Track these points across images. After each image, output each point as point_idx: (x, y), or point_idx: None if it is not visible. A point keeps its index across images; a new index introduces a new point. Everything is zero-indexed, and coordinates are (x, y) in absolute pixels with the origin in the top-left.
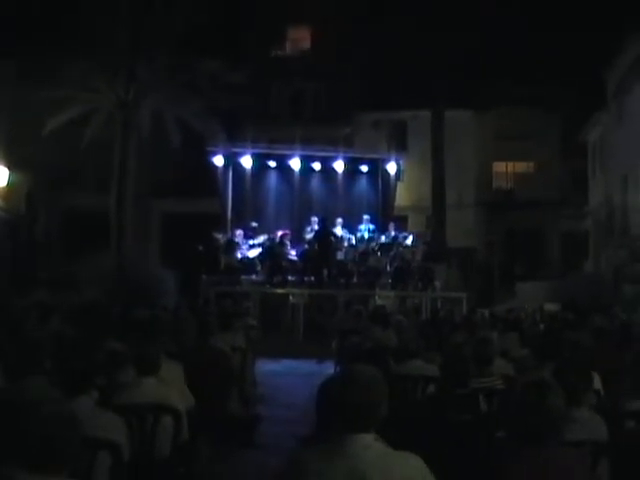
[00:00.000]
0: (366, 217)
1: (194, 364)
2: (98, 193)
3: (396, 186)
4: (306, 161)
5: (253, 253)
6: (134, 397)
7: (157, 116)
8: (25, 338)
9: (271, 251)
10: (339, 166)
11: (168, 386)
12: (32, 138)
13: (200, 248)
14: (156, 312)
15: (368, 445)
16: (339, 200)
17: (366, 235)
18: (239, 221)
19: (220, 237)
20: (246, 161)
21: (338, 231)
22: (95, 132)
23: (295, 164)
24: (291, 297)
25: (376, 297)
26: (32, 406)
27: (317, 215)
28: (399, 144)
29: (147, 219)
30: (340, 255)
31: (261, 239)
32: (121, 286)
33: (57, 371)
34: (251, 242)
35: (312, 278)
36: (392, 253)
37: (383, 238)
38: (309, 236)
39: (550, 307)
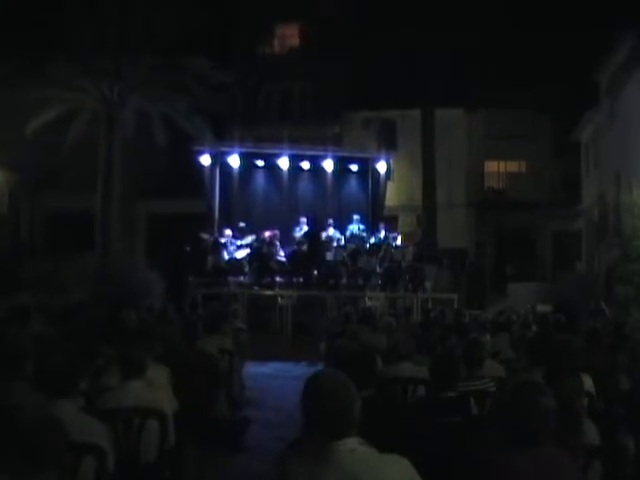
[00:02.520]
0: (356, 217)
1: (181, 367)
2: (82, 193)
3: (386, 186)
4: (295, 160)
5: (241, 254)
6: (119, 401)
7: (143, 115)
8: (7, 341)
9: (259, 252)
10: (328, 165)
11: (154, 389)
12: (15, 138)
13: (187, 249)
14: (142, 314)
15: (353, 448)
16: (328, 200)
17: (356, 229)
18: (226, 221)
19: (207, 238)
20: (234, 160)
21: (330, 232)
22: (79, 131)
23: (283, 163)
24: (279, 299)
25: (366, 298)
26: (14, 410)
27: (306, 215)
28: (389, 143)
29: (133, 219)
30: (329, 256)
31: (249, 240)
32: (106, 288)
33: (39, 375)
34: (239, 243)
35: (301, 279)
36: (382, 254)
37: (373, 238)
38: (298, 236)
39: (542, 309)
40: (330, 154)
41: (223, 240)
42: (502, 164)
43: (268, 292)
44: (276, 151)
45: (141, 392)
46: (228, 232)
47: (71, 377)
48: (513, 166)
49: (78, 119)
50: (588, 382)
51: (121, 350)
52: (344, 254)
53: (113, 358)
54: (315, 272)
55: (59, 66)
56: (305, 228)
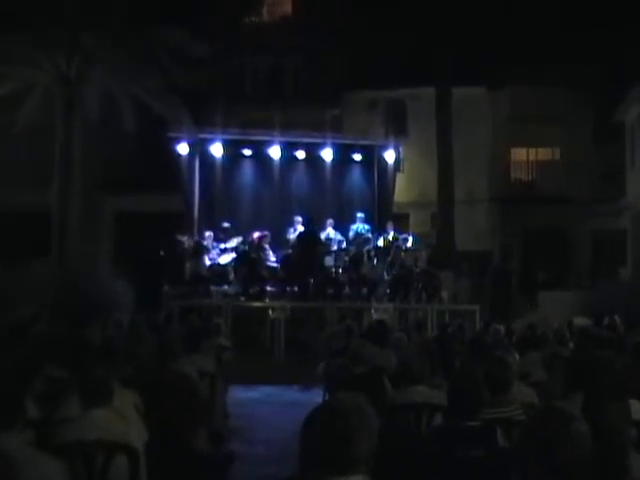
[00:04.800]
0: (360, 215)
1: (153, 392)
2: (36, 188)
3: (395, 178)
4: (288, 149)
5: (225, 259)
6: (80, 433)
7: (107, 95)
8: None
9: (246, 257)
10: (327, 154)
11: (122, 419)
12: None
13: (161, 253)
14: (108, 330)
15: None
16: (327, 195)
17: (359, 229)
18: (208, 221)
19: (185, 240)
20: (216, 149)
21: (329, 233)
22: (31, 113)
23: (275, 152)
24: (270, 311)
25: (372, 310)
26: None
27: (301, 214)
28: (398, 128)
29: (97, 219)
30: (329, 261)
31: (234, 242)
32: (65, 299)
33: None
34: (222, 246)
35: (295, 288)
36: (390, 258)
37: (380, 240)
38: (292, 238)
39: (580, 322)
40: (329, 141)
41: (204, 243)
42: (532, 151)
43: (257, 303)
44: (266, 138)
45: (106, 423)
46: (210, 234)
47: (19, 405)
48: (545, 154)
49: (30, 99)
50: (636, 408)
51: (83, 373)
52: (346, 259)
53: (73, 382)
54: (312, 280)
55: (6, 36)
56: (300, 229)
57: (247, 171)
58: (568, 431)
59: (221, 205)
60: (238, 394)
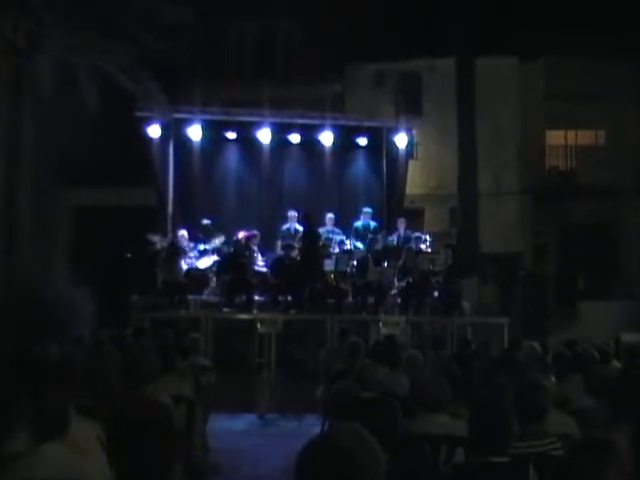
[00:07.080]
0: (366, 210)
1: (119, 422)
2: None
3: (407, 166)
4: (280, 132)
5: (205, 263)
6: (31, 472)
7: (64, 67)
8: None
9: (231, 260)
10: (326, 138)
11: (81, 455)
12: None
13: (128, 256)
14: (66, 348)
15: None
16: (327, 186)
17: (366, 225)
18: (185, 217)
19: (157, 240)
20: (194, 132)
21: (329, 232)
22: None
23: (264, 136)
24: (259, 325)
25: (380, 324)
26: None
27: (296, 208)
28: (411, 107)
29: (52, 215)
30: (329, 265)
31: (216, 243)
32: (13, 310)
33: None
34: (202, 247)
35: (289, 297)
36: (402, 262)
37: (394, 240)
38: (283, 241)
39: (629, 338)
40: (329, 123)
41: (180, 244)
42: (571, 134)
43: (243, 315)
44: (254, 119)
45: (62, 459)
46: (186, 232)
47: None
48: (586, 137)
49: None
50: None
51: (33, 400)
52: (349, 262)
53: (21, 412)
54: (309, 288)
55: None
56: (295, 226)
57: (231, 158)
58: (609, 467)
59: (200, 198)
60: (220, 423)
